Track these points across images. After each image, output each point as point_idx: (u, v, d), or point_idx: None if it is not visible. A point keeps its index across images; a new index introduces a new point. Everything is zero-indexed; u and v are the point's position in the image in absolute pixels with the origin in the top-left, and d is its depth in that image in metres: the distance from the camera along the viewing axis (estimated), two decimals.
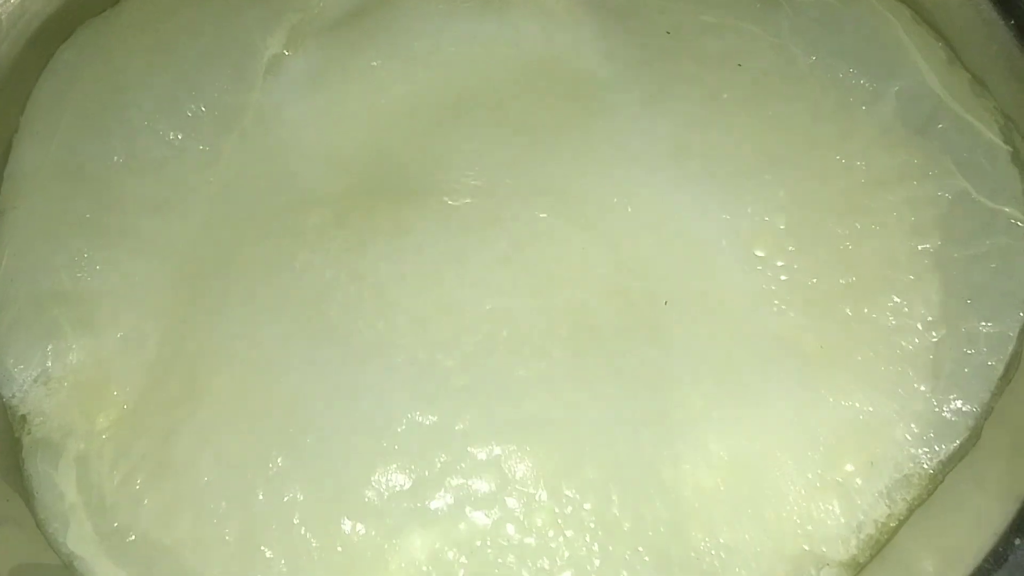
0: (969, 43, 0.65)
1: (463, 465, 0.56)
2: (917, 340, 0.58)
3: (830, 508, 0.55)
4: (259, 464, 0.55)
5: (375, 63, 0.68)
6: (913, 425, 0.57)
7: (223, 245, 0.63)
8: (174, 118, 0.65)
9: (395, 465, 0.56)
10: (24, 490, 0.58)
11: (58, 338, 0.60)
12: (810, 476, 0.56)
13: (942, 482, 0.56)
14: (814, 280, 0.59)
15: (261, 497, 0.55)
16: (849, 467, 0.56)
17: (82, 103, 0.66)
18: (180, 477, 0.56)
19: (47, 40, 0.68)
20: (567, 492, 0.55)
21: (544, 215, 0.63)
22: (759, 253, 0.60)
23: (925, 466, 0.56)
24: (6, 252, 0.62)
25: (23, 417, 0.59)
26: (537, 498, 0.55)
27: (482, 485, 0.55)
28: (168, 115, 0.65)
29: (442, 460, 0.56)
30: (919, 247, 0.60)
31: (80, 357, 0.60)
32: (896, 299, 0.59)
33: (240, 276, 0.62)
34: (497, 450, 0.56)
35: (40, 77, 0.67)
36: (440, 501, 0.55)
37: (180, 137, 0.65)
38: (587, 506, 0.54)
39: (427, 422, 0.57)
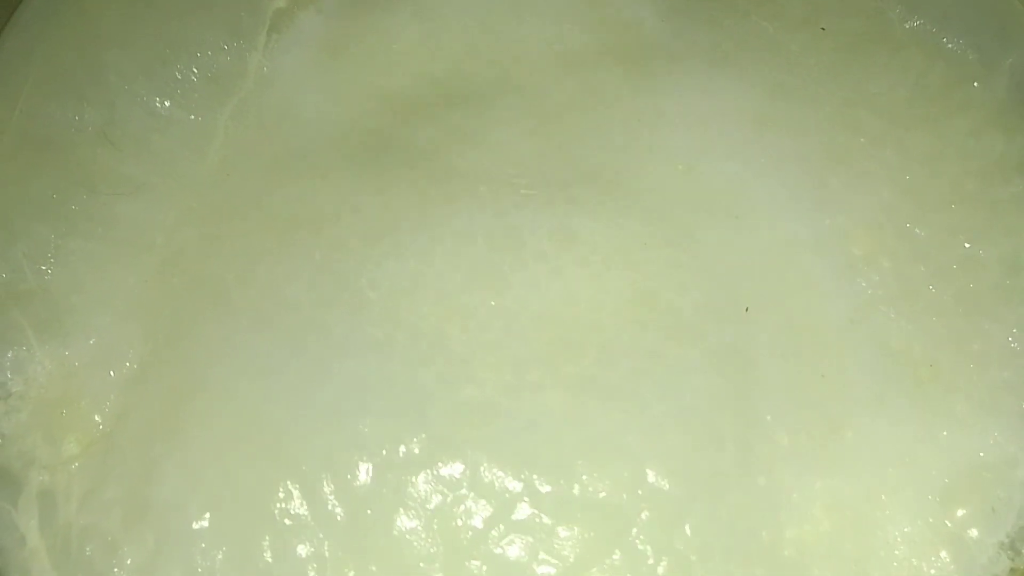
0: None
1: (506, 526, 0.46)
2: None
3: (943, 563, 0.47)
4: (264, 508, 0.46)
5: (401, 27, 0.59)
6: None
7: (214, 236, 0.54)
8: (160, 82, 0.55)
9: (429, 523, 0.46)
10: None
11: (19, 344, 0.50)
12: (921, 525, 0.47)
13: None
14: (924, 285, 0.51)
15: (268, 550, 0.45)
16: (966, 514, 0.47)
17: (51, 62, 0.56)
18: (166, 520, 0.46)
19: None
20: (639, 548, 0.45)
21: (596, 204, 0.54)
22: (858, 251, 0.52)
23: None
24: None
25: None
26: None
27: (534, 552, 0.46)
28: (152, 77, 0.55)
29: (484, 515, 0.46)
30: None
31: (46, 368, 0.50)
32: (1019, 312, 0.50)
33: (234, 274, 0.52)
34: (549, 513, 0.46)
35: (3, 31, 0.58)
36: (485, 562, 0.45)
37: (167, 105, 0.55)
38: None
39: (467, 470, 0.47)
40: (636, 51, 0.59)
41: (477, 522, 0.46)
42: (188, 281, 0.53)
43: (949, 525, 0.47)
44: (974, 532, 0.47)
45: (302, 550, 0.45)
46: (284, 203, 0.55)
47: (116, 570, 0.46)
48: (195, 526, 0.46)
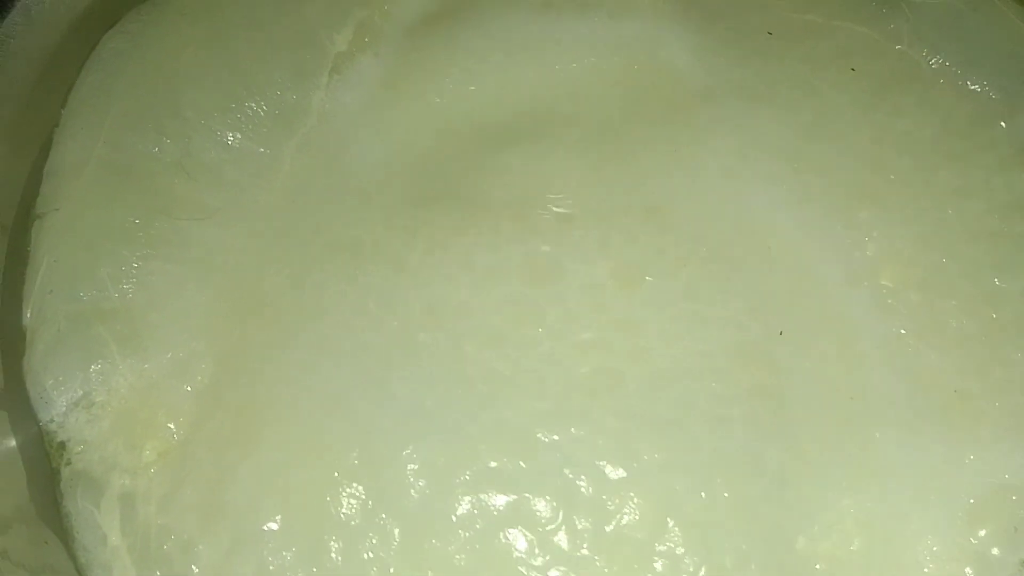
0: None
1: (553, 531, 0.49)
2: None
3: None
4: (331, 513, 0.49)
5: (451, 69, 0.63)
6: None
7: (281, 259, 0.57)
8: (233, 117, 0.60)
9: (476, 541, 0.49)
10: (63, 530, 0.52)
11: (103, 358, 0.54)
12: (947, 544, 0.49)
13: None
14: (949, 317, 0.53)
15: (335, 550, 0.48)
16: (989, 533, 0.50)
17: (130, 97, 0.61)
18: (239, 521, 0.50)
19: (92, 26, 0.63)
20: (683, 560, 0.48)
21: (636, 234, 0.57)
22: (887, 283, 0.54)
23: None
24: (45, 260, 0.57)
25: (61, 444, 0.54)
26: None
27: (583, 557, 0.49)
28: (225, 113, 0.60)
29: (540, 526, 0.49)
30: None
31: (127, 380, 0.54)
32: None
33: (300, 295, 0.56)
34: (589, 521, 0.49)
35: (84, 67, 0.62)
36: (540, 560, 0.49)
37: (239, 138, 0.60)
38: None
39: (512, 498, 0.50)
40: (672, 89, 0.62)
41: (522, 544, 0.50)
42: (255, 302, 0.56)
43: (973, 543, 0.49)
44: (996, 550, 0.49)
45: (365, 554, 0.49)
46: (342, 230, 0.58)
47: (193, 567, 0.49)
48: (266, 527, 0.49)
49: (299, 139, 0.60)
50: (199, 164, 0.59)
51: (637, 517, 0.49)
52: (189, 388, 0.54)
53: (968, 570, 0.49)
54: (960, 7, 0.61)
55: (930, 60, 0.60)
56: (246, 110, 0.60)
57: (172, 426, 0.53)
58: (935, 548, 0.49)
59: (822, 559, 0.49)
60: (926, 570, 0.49)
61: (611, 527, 0.49)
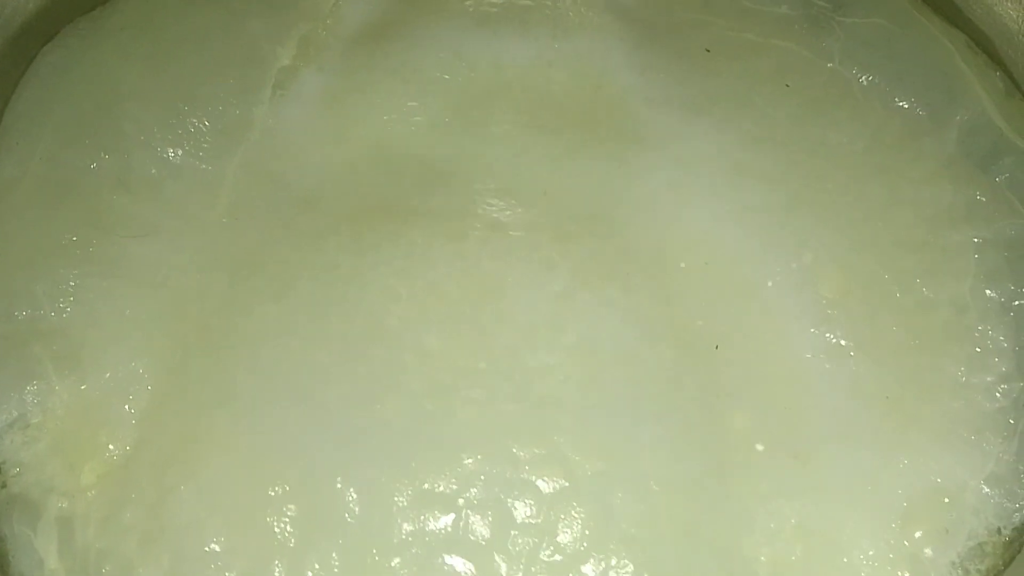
0: None
1: (491, 551, 0.50)
2: (990, 395, 0.54)
3: None
4: (275, 532, 0.49)
5: (392, 81, 0.63)
6: (987, 488, 0.53)
7: (223, 277, 0.57)
8: (173, 133, 0.59)
9: (419, 562, 0.50)
10: None
11: (39, 378, 0.54)
12: (882, 546, 0.51)
13: (1019, 551, 0.52)
14: (883, 325, 0.55)
15: (277, 570, 0.48)
16: (922, 535, 0.51)
17: (68, 112, 0.60)
18: (180, 543, 0.49)
19: (29, 40, 0.62)
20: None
21: (583, 250, 0.58)
22: (825, 293, 0.56)
23: (1000, 534, 0.52)
24: None
25: None
26: None
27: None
28: (166, 129, 0.59)
29: (479, 547, 0.50)
30: (988, 292, 0.56)
31: (64, 400, 0.53)
32: (967, 349, 0.55)
33: (242, 314, 0.56)
34: (528, 540, 0.50)
35: (20, 81, 0.61)
36: None
37: (179, 154, 0.59)
38: None
39: (451, 520, 0.51)
40: (617, 103, 0.63)
41: (461, 566, 0.50)
42: (196, 320, 0.56)
43: (907, 545, 0.51)
44: (929, 552, 0.51)
45: (308, 573, 0.49)
46: (282, 246, 0.58)
47: None
48: (208, 548, 0.49)
49: (241, 155, 0.60)
50: (139, 180, 0.58)
51: (576, 533, 0.50)
52: (129, 409, 0.53)
53: (902, 572, 0.51)
54: (889, 27, 0.63)
55: (861, 78, 0.62)
56: (188, 126, 0.59)
57: (112, 447, 0.52)
58: (871, 552, 0.51)
59: (764, 567, 0.50)
60: (863, 574, 0.50)
61: (550, 544, 0.50)
